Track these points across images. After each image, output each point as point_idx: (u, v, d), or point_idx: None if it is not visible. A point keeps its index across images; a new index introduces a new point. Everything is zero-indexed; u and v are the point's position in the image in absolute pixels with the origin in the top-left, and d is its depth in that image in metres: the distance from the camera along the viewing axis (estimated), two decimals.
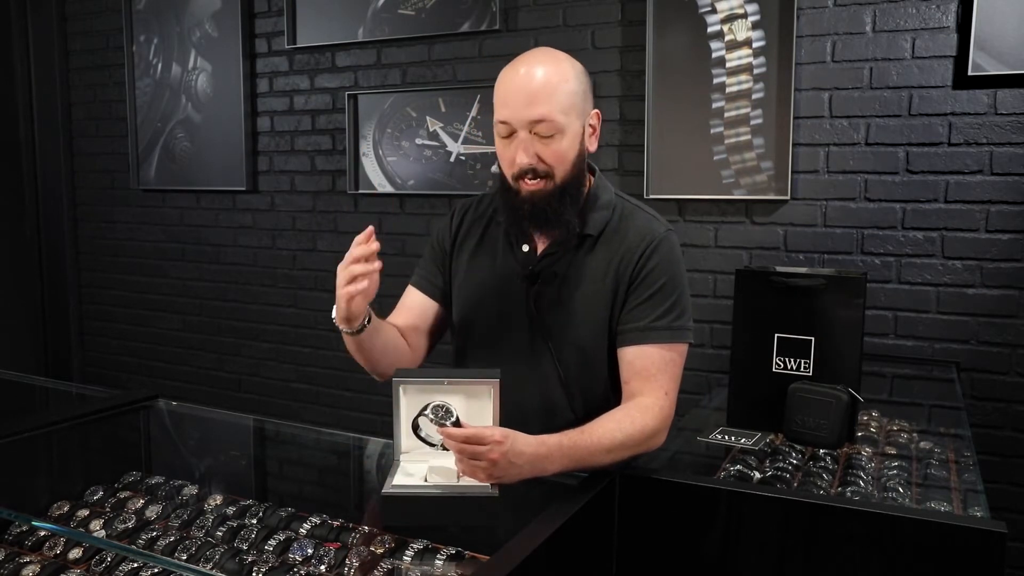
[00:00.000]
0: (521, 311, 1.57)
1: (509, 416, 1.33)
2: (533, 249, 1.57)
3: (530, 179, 1.48)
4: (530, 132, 1.45)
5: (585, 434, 1.36)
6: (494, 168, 1.56)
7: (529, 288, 1.56)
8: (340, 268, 1.40)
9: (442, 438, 1.26)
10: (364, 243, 1.39)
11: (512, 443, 1.25)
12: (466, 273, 1.64)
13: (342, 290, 1.40)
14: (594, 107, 1.54)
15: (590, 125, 1.53)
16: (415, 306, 1.67)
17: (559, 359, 1.55)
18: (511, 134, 1.47)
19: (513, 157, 1.47)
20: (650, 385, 1.48)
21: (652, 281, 1.51)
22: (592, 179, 1.59)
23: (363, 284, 1.38)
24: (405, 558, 1.24)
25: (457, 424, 1.25)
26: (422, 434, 1.31)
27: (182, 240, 3.87)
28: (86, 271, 4.21)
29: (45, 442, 1.72)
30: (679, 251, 1.57)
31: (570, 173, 1.50)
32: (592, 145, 1.54)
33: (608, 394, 1.57)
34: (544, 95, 1.43)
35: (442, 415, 1.25)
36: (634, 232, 1.54)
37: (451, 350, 1.70)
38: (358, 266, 1.39)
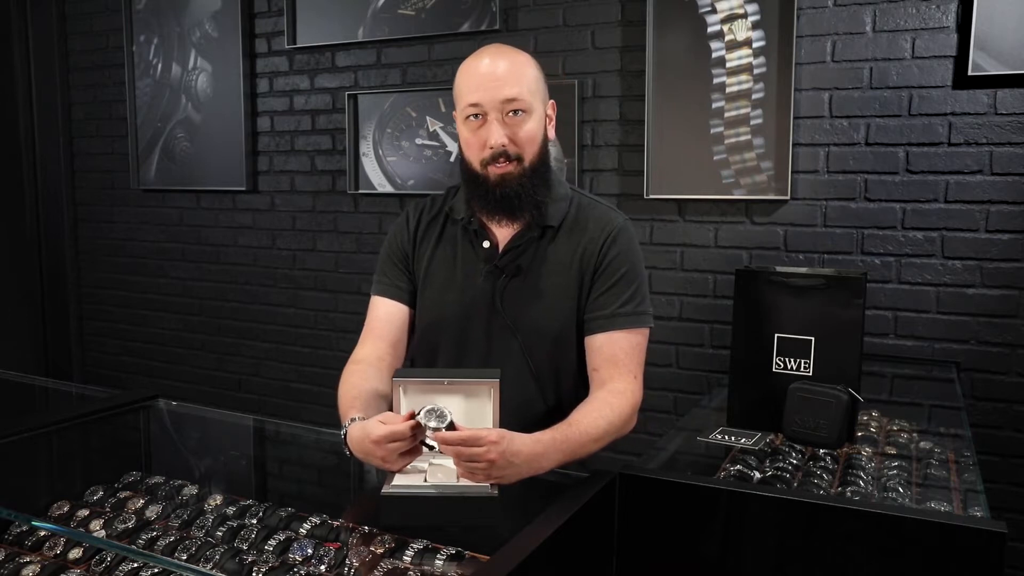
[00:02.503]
0: (487, 307, 1.57)
1: None
2: (495, 244, 1.58)
3: (503, 162, 1.50)
4: (502, 114, 1.48)
5: (573, 427, 1.39)
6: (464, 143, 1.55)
7: (494, 283, 1.56)
8: (388, 446, 1.28)
9: (438, 443, 1.26)
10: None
11: (509, 443, 1.25)
12: (427, 274, 1.63)
13: (386, 463, 1.31)
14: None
15: (547, 114, 1.57)
16: (388, 317, 1.65)
17: (529, 352, 1.56)
18: (481, 119, 1.49)
19: (484, 141, 1.49)
20: (619, 370, 1.51)
21: (615, 269, 1.55)
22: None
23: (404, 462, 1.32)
24: (405, 558, 1.24)
25: (452, 427, 1.24)
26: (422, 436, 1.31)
27: (182, 240, 3.88)
28: (86, 271, 4.21)
29: (45, 442, 1.72)
30: (636, 239, 1.61)
31: (537, 157, 1.53)
32: (550, 132, 1.59)
33: (577, 382, 1.59)
34: (513, 77, 1.48)
35: (437, 419, 1.24)
36: (594, 222, 1.58)
37: (417, 351, 1.69)
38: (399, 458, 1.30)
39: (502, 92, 1.47)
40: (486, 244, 1.58)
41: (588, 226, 1.58)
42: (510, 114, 1.48)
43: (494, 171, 1.51)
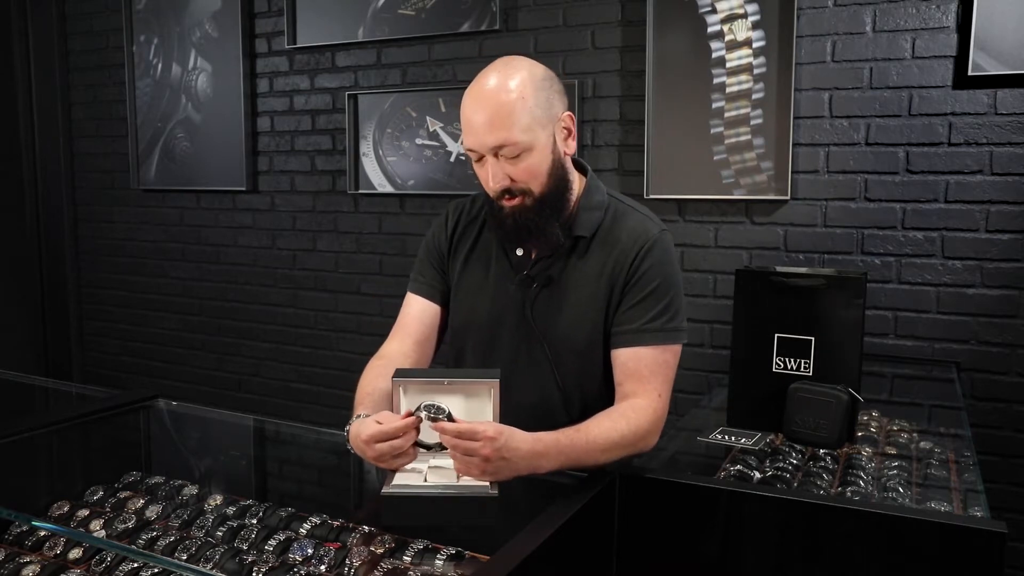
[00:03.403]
0: (517, 315, 1.56)
1: (505, 419, 1.33)
2: (527, 253, 1.57)
3: (508, 198, 1.48)
4: (496, 156, 1.45)
5: (581, 433, 1.37)
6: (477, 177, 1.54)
7: (524, 292, 1.56)
8: (380, 445, 1.28)
9: (438, 439, 1.26)
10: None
11: (506, 440, 1.24)
12: (461, 277, 1.63)
13: (377, 463, 1.31)
14: (567, 108, 1.51)
15: (563, 129, 1.50)
16: (419, 315, 1.65)
17: (555, 362, 1.55)
18: (480, 159, 1.47)
19: (487, 181, 1.48)
20: (643, 387, 1.48)
21: (646, 283, 1.51)
22: (584, 180, 1.59)
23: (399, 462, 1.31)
24: (405, 558, 1.24)
25: (451, 420, 1.25)
26: (417, 437, 1.31)
27: (182, 240, 3.88)
28: (86, 271, 4.21)
29: (45, 442, 1.72)
30: (673, 251, 1.56)
31: (547, 184, 1.48)
32: (569, 148, 1.52)
33: (603, 396, 1.57)
34: (500, 120, 1.41)
35: (435, 412, 1.25)
36: (627, 233, 1.54)
37: (448, 353, 1.70)
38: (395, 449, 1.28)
39: (489, 140, 1.43)
40: (519, 252, 1.57)
41: (621, 237, 1.54)
42: (505, 156, 1.45)
43: (506, 204, 1.49)
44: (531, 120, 1.43)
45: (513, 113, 1.42)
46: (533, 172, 1.46)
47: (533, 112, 1.44)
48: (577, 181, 1.58)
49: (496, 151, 1.44)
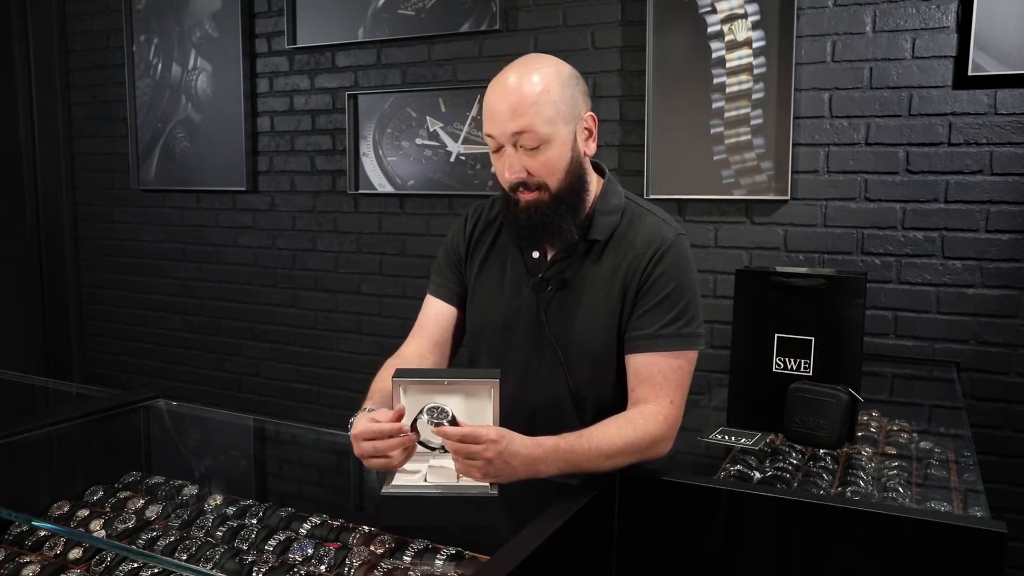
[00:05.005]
0: (531, 318, 1.56)
1: (517, 422, 1.32)
2: (543, 255, 1.56)
3: (524, 191, 1.47)
4: (515, 145, 1.44)
5: (583, 438, 1.35)
6: (494, 169, 1.53)
7: (538, 295, 1.55)
8: (368, 441, 1.28)
9: (441, 441, 1.26)
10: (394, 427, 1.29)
11: (508, 443, 1.24)
12: (477, 280, 1.63)
13: (363, 460, 1.31)
14: (590, 109, 1.51)
15: (585, 129, 1.50)
16: (438, 317, 1.65)
17: (568, 366, 1.54)
18: (499, 148, 1.46)
19: (503, 172, 1.47)
20: (656, 393, 1.46)
21: (659, 288, 1.49)
22: (602, 182, 1.57)
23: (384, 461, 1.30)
24: (405, 558, 1.24)
25: (454, 423, 1.25)
26: (421, 438, 1.31)
27: (182, 240, 3.88)
28: (86, 271, 4.21)
29: (45, 442, 1.72)
30: (689, 256, 1.54)
31: (565, 181, 1.47)
32: (589, 149, 1.52)
33: (617, 400, 1.55)
34: (523, 108, 1.41)
35: (438, 415, 1.25)
36: (642, 237, 1.52)
37: (464, 355, 1.70)
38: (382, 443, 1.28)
39: (511, 125, 1.41)
40: (535, 255, 1.56)
41: (636, 241, 1.52)
42: (524, 146, 1.43)
43: (522, 197, 1.48)
44: (554, 113, 1.43)
45: (537, 103, 1.41)
46: (551, 166, 1.45)
47: (557, 106, 1.43)
48: (595, 183, 1.56)
49: (516, 140, 1.43)
